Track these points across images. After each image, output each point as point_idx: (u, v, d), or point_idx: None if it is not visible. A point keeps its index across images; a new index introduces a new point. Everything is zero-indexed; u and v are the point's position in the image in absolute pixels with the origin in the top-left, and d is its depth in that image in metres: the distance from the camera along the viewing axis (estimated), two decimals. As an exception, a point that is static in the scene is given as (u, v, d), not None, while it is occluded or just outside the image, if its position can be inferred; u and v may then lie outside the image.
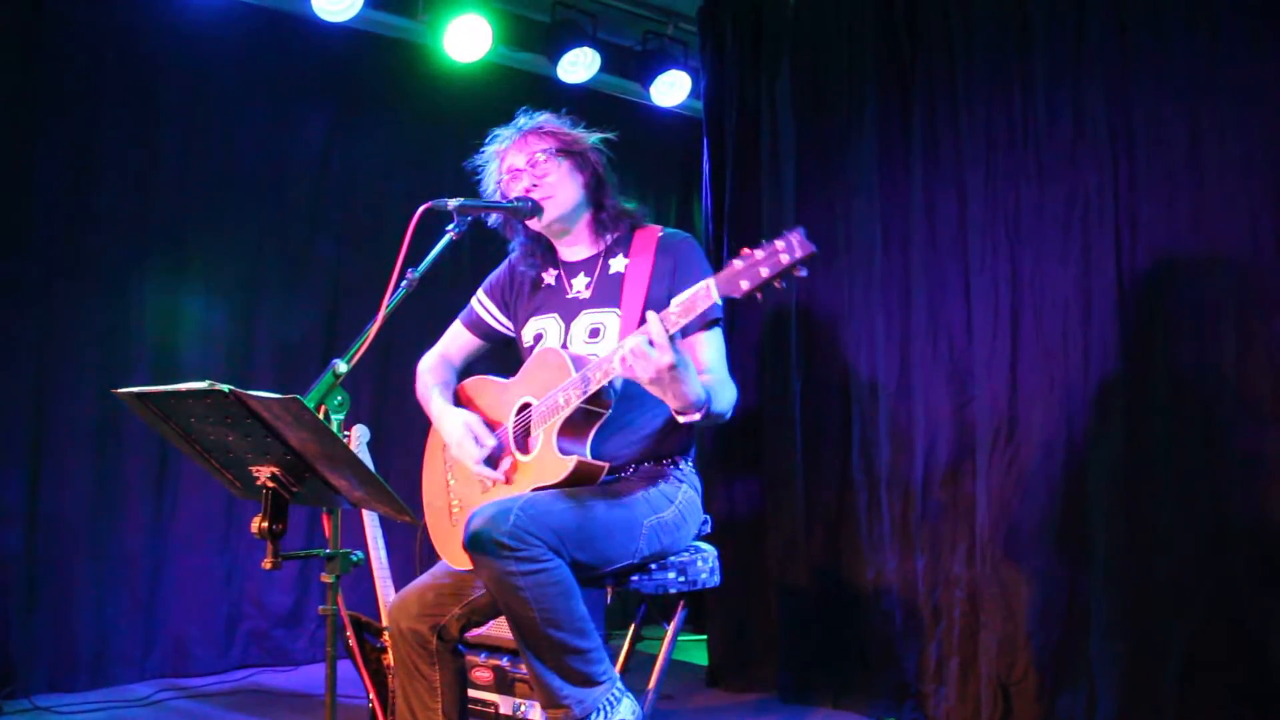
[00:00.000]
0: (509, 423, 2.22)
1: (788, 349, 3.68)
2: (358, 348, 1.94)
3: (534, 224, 2.33)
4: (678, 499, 2.23)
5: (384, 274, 2.03)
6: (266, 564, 1.79)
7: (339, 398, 1.88)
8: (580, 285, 2.34)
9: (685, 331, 2.13)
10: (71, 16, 3.69)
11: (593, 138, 2.35)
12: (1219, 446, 2.68)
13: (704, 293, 1.84)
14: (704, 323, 2.18)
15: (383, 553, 3.00)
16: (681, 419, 1.99)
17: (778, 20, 3.82)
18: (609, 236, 2.36)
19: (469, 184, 2.42)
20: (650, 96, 4.68)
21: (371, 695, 2.80)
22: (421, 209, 2.05)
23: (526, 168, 2.30)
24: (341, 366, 1.88)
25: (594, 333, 2.25)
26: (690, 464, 2.33)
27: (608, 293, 2.28)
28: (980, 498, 3.12)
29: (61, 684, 3.59)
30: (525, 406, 2.19)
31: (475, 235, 2.31)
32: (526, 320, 2.40)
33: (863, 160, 3.52)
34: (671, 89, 4.65)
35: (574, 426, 2.09)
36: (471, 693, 2.94)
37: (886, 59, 3.46)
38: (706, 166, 4.10)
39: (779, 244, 1.77)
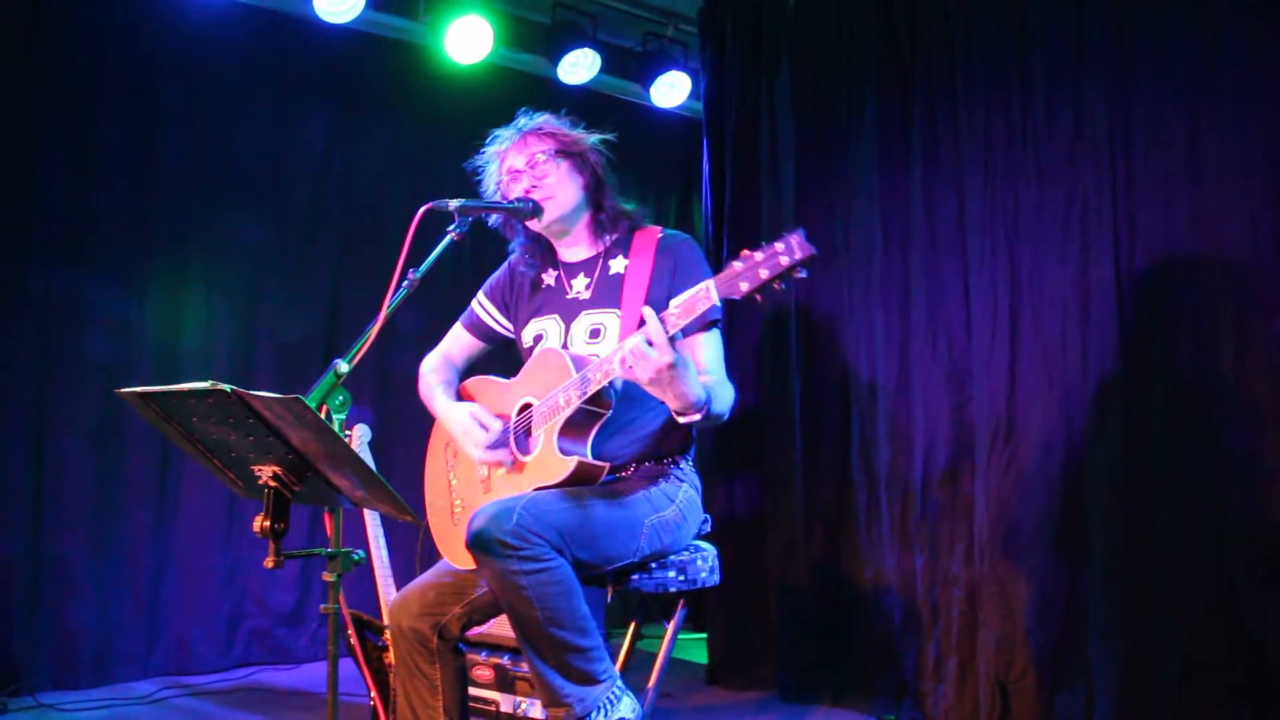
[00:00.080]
0: (510, 423, 2.23)
1: (787, 349, 3.69)
2: (359, 348, 1.95)
3: (534, 225, 2.34)
4: (678, 498, 2.24)
5: (385, 274, 2.04)
6: (268, 563, 1.80)
7: (340, 397, 1.89)
8: (580, 286, 2.35)
9: (685, 333, 2.14)
10: (71, 16, 3.70)
11: (592, 138, 2.36)
12: (1217, 446, 2.69)
13: (703, 294, 1.85)
14: (703, 324, 2.18)
15: (384, 551, 3.01)
16: (681, 419, 2.00)
17: (777, 21, 3.82)
18: (609, 237, 2.37)
19: (470, 185, 2.43)
20: (650, 97, 4.68)
21: (373, 693, 2.81)
22: (423, 210, 2.06)
23: (526, 169, 2.31)
24: (343, 366, 1.89)
25: (594, 333, 2.26)
26: (690, 463, 2.34)
27: (608, 293, 2.29)
28: (979, 497, 3.13)
29: (65, 681, 3.61)
30: (526, 407, 2.20)
31: (476, 236, 2.32)
32: (527, 321, 2.41)
33: (862, 160, 3.53)
34: (671, 90, 4.66)
35: (575, 427, 2.10)
36: (472, 691, 2.95)
37: (886, 59, 3.47)
38: (706, 167, 4.11)
39: (778, 246, 1.78)
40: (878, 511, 3.43)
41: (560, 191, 2.30)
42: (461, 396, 2.43)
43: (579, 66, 4.39)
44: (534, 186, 2.29)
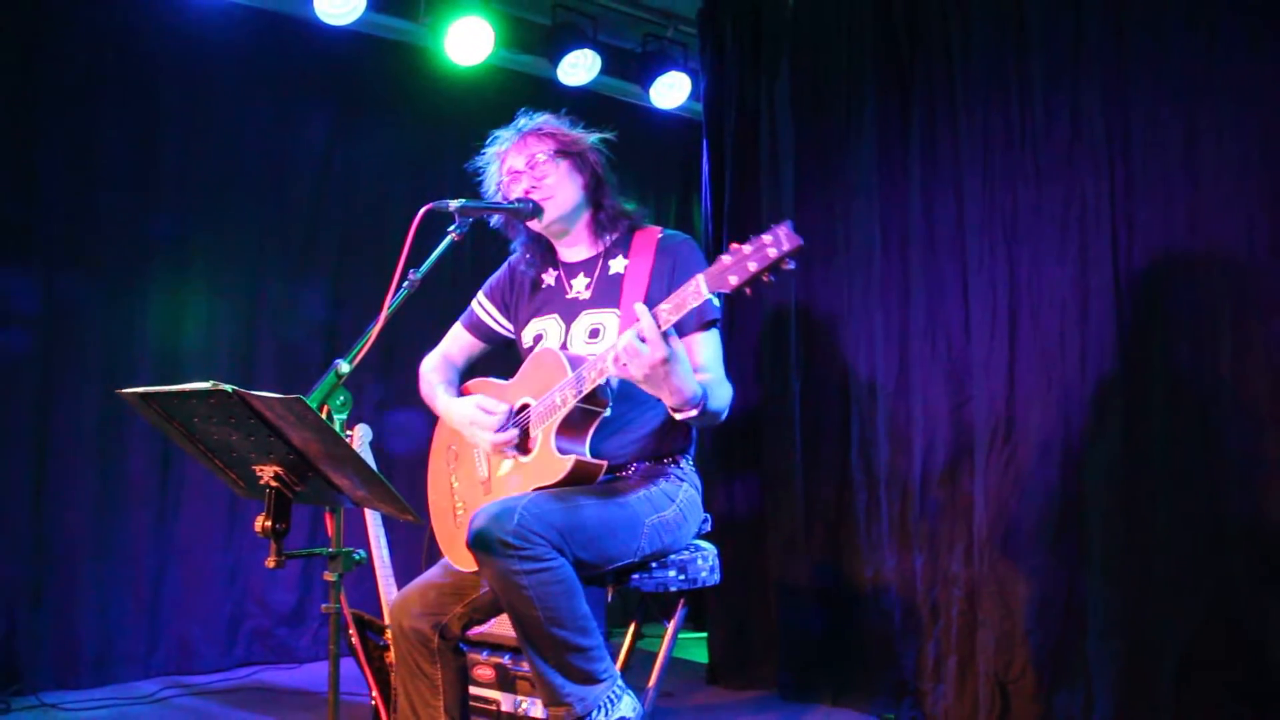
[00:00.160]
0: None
1: (787, 349, 3.70)
2: (360, 348, 1.95)
3: (534, 225, 2.34)
4: (679, 498, 2.24)
5: (386, 275, 2.05)
6: (270, 562, 1.81)
7: (341, 397, 1.89)
8: (580, 286, 2.35)
9: (682, 331, 2.14)
10: (71, 16, 3.71)
11: (592, 138, 2.37)
12: (1216, 446, 2.69)
13: (694, 289, 1.86)
14: (701, 323, 2.19)
15: (385, 551, 3.01)
16: (678, 416, 2.00)
17: (777, 22, 3.83)
18: (609, 237, 2.37)
19: (470, 185, 2.44)
20: (650, 98, 4.69)
21: (374, 693, 2.82)
22: (423, 210, 2.06)
23: (526, 169, 2.32)
24: (344, 366, 1.90)
25: (594, 333, 2.27)
26: (690, 463, 2.34)
27: (607, 293, 2.29)
28: (978, 497, 3.14)
29: (67, 681, 3.62)
30: (524, 407, 2.21)
31: (476, 236, 2.33)
32: (527, 321, 2.41)
33: (861, 161, 3.54)
34: (671, 90, 4.67)
35: (572, 426, 2.10)
36: (473, 690, 2.95)
37: (885, 60, 3.47)
38: (706, 167, 4.11)
39: (766, 238, 1.78)
40: (877, 511, 3.44)
41: (560, 191, 2.31)
42: (463, 396, 2.43)
43: (579, 68, 4.39)
44: (534, 187, 2.30)
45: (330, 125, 4.31)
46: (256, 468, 1.81)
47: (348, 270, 4.29)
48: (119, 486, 3.78)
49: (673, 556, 2.26)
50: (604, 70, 4.46)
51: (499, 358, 2.59)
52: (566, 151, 2.33)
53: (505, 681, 3.01)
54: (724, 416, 2.14)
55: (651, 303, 1.93)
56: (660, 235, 2.32)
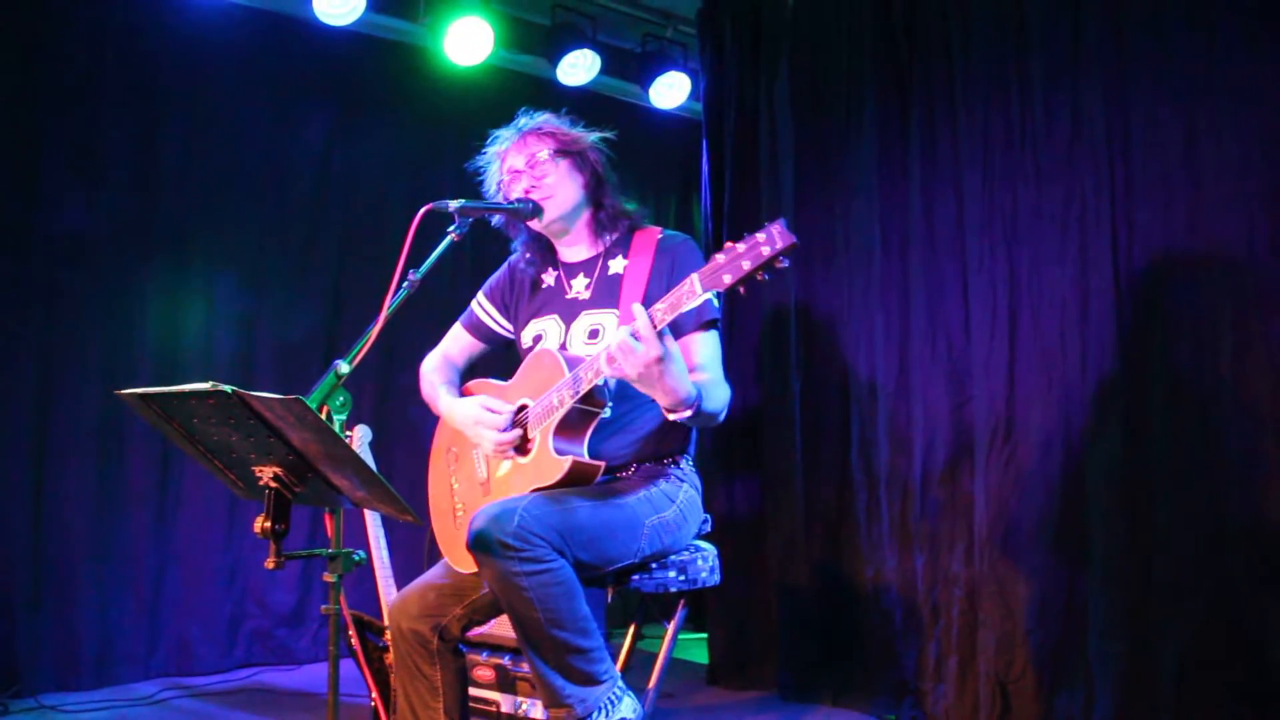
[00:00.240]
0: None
1: (787, 349, 3.69)
2: (360, 348, 1.95)
3: (535, 225, 2.34)
4: (679, 498, 2.24)
5: (385, 275, 2.04)
6: (269, 563, 1.81)
7: (341, 398, 1.89)
8: (580, 286, 2.35)
9: (681, 330, 2.14)
10: (71, 16, 3.71)
11: (592, 136, 2.37)
12: (1217, 446, 2.69)
13: (689, 288, 1.85)
14: (700, 323, 2.19)
15: (385, 552, 3.01)
16: (671, 416, 1.99)
17: (776, 22, 3.83)
18: (609, 237, 2.37)
19: (470, 186, 2.44)
20: (650, 98, 4.69)
21: (374, 694, 2.81)
22: (423, 210, 2.06)
23: (526, 169, 2.32)
24: (344, 367, 1.89)
25: (593, 334, 2.27)
26: (690, 463, 2.34)
27: (607, 294, 2.29)
28: (979, 497, 3.14)
29: (66, 683, 3.61)
30: (523, 408, 2.20)
31: (476, 236, 2.33)
32: (527, 322, 2.41)
33: (861, 161, 3.54)
34: (671, 91, 4.67)
35: (570, 427, 2.10)
36: (473, 691, 2.95)
37: (885, 60, 3.47)
38: (706, 167, 4.11)
39: (760, 236, 1.78)
40: (878, 511, 3.43)
41: (560, 191, 2.31)
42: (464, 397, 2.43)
43: (578, 68, 4.39)
44: (533, 186, 2.30)
45: (330, 125, 4.31)
46: (256, 468, 1.80)
47: (348, 270, 4.29)
48: (118, 487, 3.78)
49: (673, 557, 2.26)
50: (603, 70, 4.46)
51: (499, 358, 2.59)
52: (566, 150, 2.33)
53: (505, 683, 3.01)
54: (721, 418, 2.13)
55: (650, 303, 1.93)
56: (660, 236, 2.32)
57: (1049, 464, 2.99)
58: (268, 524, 1.79)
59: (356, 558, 1.94)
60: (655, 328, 1.87)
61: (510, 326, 2.47)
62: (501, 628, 2.70)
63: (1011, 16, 3.12)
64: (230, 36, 4.01)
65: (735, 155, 3.94)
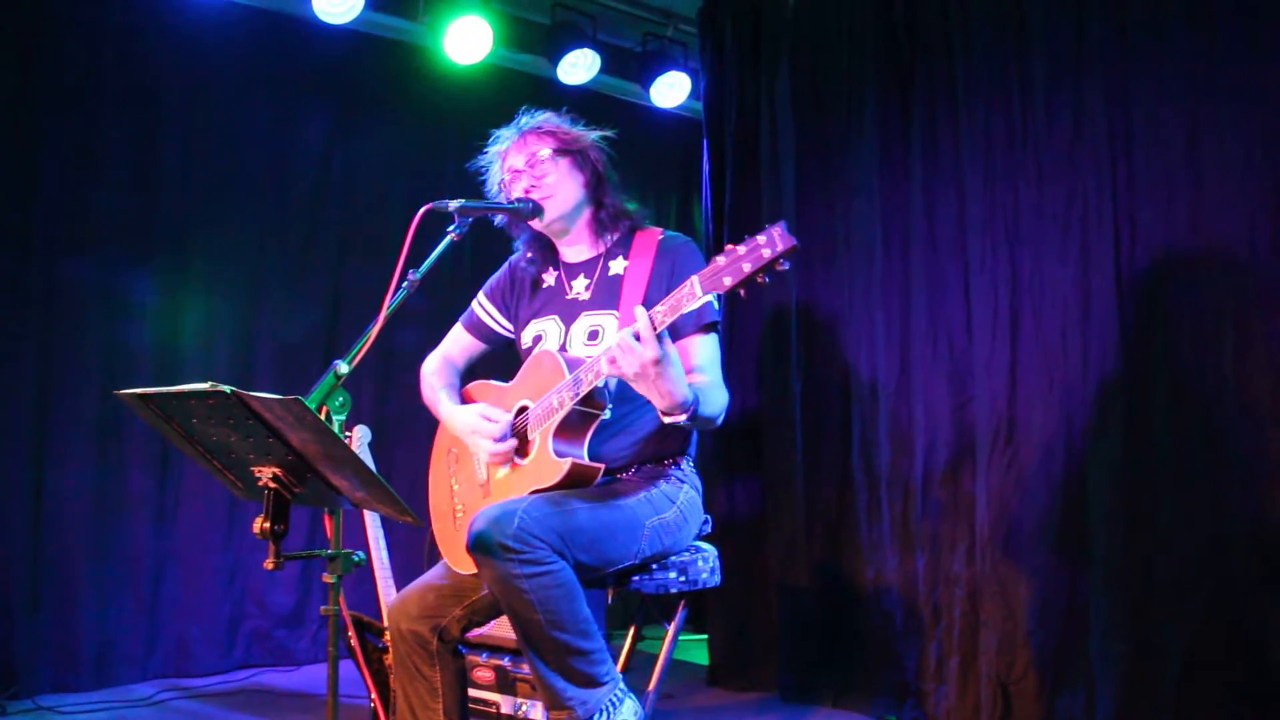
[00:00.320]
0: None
1: (788, 349, 3.69)
2: (359, 348, 1.95)
3: (535, 224, 2.34)
4: (679, 499, 2.23)
5: (385, 275, 2.04)
6: (268, 564, 1.80)
7: (340, 398, 1.89)
8: (580, 287, 2.35)
9: (680, 333, 2.14)
10: (71, 16, 3.70)
11: (592, 135, 2.36)
12: (1218, 446, 2.68)
13: (689, 290, 1.85)
14: (700, 325, 2.18)
15: (384, 553, 3.01)
16: (667, 419, 1.98)
17: (777, 21, 3.82)
18: (609, 237, 2.37)
19: (470, 185, 2.43)
20: (650, 97, 4.68)
21: (373, 695, 2.81)
22: (423, 210, 2.06)
23: (526, 168, 2.31)
24: (343, 367, 1.89)
25: (593, 335, 2.26)
26: (691, 464, 2.33)
27: (607, 294, 2.29)
28: (980, 497, 3.13)
29: (65, 684, 3.60)
30: (523, 410, 2.20)
31: (476, 236, 2.32)
32: (527, 322, 2.40)
33: (862, 161, 3.53)
34: (671, 90, 4.66)
35: (570, 428, 2.09)
36: (473, 692, 2.94)
37: (886, 60, 3.46)
38: (706, 167, 4.10)
39: (760, 238, 1.77)
40: (879, 512, 3.43)
41: (560, 190, 2.30)
42: (464, 399, 2.42)
43: (579, 67, 4.39)
44: (534, 186, 2.29)
45: (329, 125, 4.30)
46: (255, 469, 1.80)
47: (347, 270, 4.28)
48: (118, 487, 3.77)
49: (673, 558, 2.25)
50: (604, 69, 4.46)
51: (499, 358, 2.58)
52: (567, 149, 2.32)
53: (505, 684, 3.01)
54: (719, 422, 2.12)
55: (650, 305, 1.92)
56: (661, 237, 2.31)
57: (1050, 464, 2.99)
58: (267, 525, 1.79)
59: (356, 559, 1.93)
60: (655, 329, 1.86)
61: (510, 327, 2.47)
62: (501, 629, 2.69)
63: (1013, 16, 3.12)
64: (229, 36, 4.01)
65: (736, 155, 3.93)
